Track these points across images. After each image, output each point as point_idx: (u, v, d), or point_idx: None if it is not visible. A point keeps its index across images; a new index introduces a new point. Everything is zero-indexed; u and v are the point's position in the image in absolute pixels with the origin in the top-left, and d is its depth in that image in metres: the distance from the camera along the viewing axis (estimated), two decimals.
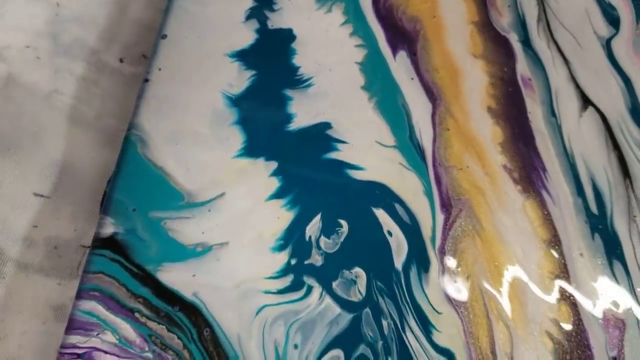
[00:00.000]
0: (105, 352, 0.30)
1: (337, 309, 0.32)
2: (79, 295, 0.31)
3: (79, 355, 0.30)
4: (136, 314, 0.31)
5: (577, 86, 0.40)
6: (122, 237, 0.32)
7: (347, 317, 0.32)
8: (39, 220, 0.35)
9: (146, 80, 0.36)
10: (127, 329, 0.30)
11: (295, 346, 0.31)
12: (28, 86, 0.38)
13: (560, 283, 0.35)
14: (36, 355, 0.33)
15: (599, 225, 0.36)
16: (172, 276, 0.32)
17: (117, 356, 0.30)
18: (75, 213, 0.35)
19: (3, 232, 0.34)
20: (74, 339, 0.30)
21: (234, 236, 0.33)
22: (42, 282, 0.34)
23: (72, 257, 0.35)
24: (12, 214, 0.35)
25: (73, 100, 0.37)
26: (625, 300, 0.34)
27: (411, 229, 0.35)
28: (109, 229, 0.32)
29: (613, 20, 0.42)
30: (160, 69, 0.36)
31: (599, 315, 0.34)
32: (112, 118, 0.37)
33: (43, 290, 0.34)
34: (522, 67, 0.40)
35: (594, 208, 0.37)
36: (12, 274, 0.34)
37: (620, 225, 0.36)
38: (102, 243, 0.32)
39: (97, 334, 0.30)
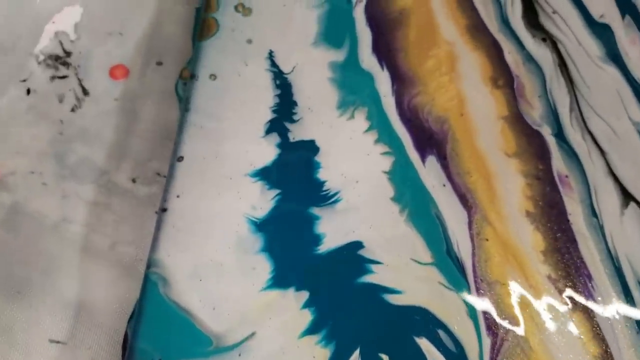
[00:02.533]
0: None
1: None
2: None
3: None
4: None
5: (616, 180, 0.38)
6: None
7: None
8: None
9: (164, 210, 0.33)
10: None
11: None
12: (35, 216, 0.35)
13: None
14: None
15: None
16: None
17: None
18: (95, 359, 0.32)
19: None
20: None
21: None
22: None
23: None
24: None
25: (84, 228, 0.35)
26: None
27: (457, 358, 0.32)
28: None
29: None
30: (178, 196, 0.34)
31: None
32: (128, 246, 0.35)
33: None
34: (558, 163, 0.38)
35: None
36: None
37: None
38: None
39: None
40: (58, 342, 0.33)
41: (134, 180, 0.36)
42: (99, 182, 0.36)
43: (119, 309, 0.34)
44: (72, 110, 0.38)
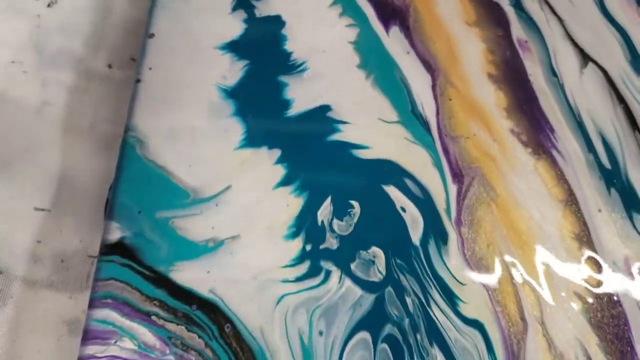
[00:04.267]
0: None
1: (359, 291, 0.31)
2: (92, 305, 0.30)
3: None
4: (153, 317, 0.30)
5: (575, 43, 0.39)
6: (130, 240, 0.31)
7: (370, 298, 0.31)
8: (42, 235, 0.34)
9: (138, 81, 0.35)
10: (146, 334, 0.29)
11: (320, 333, 0.30)
12: (17, 102, 0.37)
13: (581, 241, 0.34)
14: None
15: (614, 179, 0.35)
16: (186, 275, 0.31)
17: None
18: (78, 224, 0.34)
19: (6, 251, 0.33)
20: (92, 349, 0.29)
21: (245, 228, 0.32)
22: (53, 297, 0.33)
23: (80, 269, 0.33)
24: (13, 231, 0.34)
25: (64, 111, 0.37)
26: None
27: (424, 203, 0.34)
28: (115, 234, 0.31)
29: None
30: (150, 68, 0.35)
31: (624, 268, 0.33)
32: (107, 124, 0.36)
33: (54, 305, 0.32)
34: (517, 30, 0.39)
35: (606, 163, 0.36)
36: (20, 293, 0.33)
37: (635, 177, 0.35)
38: (110, 249, 0.31)
39: (115, 342, 0.29)
40: (43, 209, 0.34)
41: (110, 66, 0.38)
42: (77, 68, 0.38)
43: (99, 179, 0.35)
44: (49, 5, 0.39)
